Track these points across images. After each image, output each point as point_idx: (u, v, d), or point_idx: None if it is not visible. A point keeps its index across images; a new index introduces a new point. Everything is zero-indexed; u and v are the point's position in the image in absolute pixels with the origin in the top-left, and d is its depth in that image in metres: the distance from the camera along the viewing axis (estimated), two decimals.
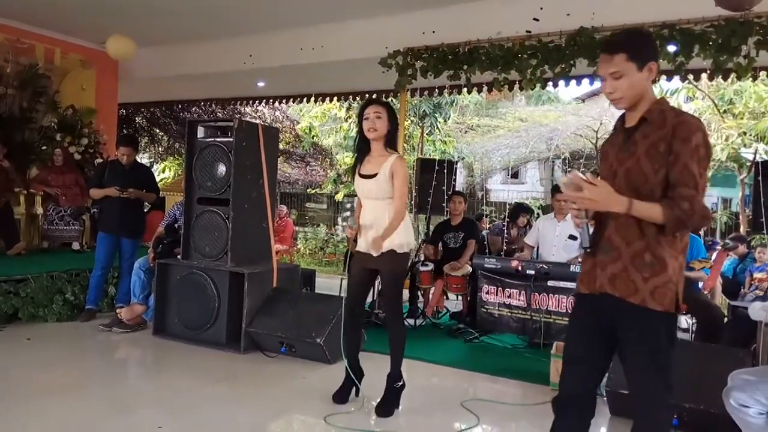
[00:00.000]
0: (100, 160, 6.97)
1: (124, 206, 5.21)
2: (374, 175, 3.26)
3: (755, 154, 9.50)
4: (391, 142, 3.33)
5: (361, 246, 3.33)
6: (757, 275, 6.09)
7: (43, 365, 4.06)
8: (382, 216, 3.25)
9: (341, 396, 3.47)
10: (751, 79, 5.70)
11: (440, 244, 6.21)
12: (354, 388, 3.53)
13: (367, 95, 8.58)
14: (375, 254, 3.22)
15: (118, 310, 5.08)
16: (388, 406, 3.35)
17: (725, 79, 5.48)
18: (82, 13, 6.67)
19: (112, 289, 5.57)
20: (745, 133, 9.68)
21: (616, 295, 2.00)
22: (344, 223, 3.13)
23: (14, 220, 6.14)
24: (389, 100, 9.11)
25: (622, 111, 2.10)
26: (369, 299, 4.11)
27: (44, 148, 6.85)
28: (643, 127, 2.00)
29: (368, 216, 3.30)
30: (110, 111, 8.25)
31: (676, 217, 1.85)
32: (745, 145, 9.86)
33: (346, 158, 13.65)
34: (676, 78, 5.79)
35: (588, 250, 2.08)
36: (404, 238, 3.27)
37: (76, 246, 6.34)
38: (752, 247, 6.91)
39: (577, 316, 2.22)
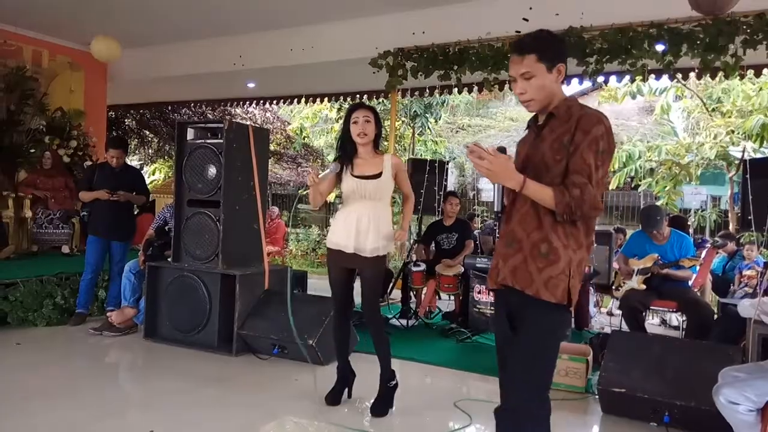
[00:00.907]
0: (89, 163, 6.91)
1: (114, 209, 5.18)
2: (377, 176, 3.29)
3: (743, 152, 9.56)
4: (377, 144, 3.43)
5: (345, 245, 3.29)
6: (746, 272, 6.15)
7: (33, 369, 4.03)
8: (379, 216, 3.29)
9: (334, 397, 3.47)
10: (738, 77, 5.76)
11: (433, 245, 6.22)
12: (346, 389, 3.54)
13: (357, 96, 8.58)
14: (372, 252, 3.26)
15: (108, 314, 5.05)
16: (382, 405, 3.36)
17: (713, 77, 5.53)
18: (70, 15, 6.62)
19: (102, 292, 5.54)
20: (733, 132, 9.76)
21: (516, 287, 1.99)
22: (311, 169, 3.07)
23: (2, 224, 6.09)
24: (380, 100, 9.14)
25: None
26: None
27: (32, 150, 6.79)
28: (551, 122, 2.01)
29: (363, 215, 3.27)
30: (99, 113, 8.19)
31: (565, 203, 1.86)
32: (733, 144, 9.94)
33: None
34: (665, 77, 5.83)
35: (499, 215, 2.06)
36: (389, 240, 3.33)
37: (65, 249, 6.28)
38: (741, 244, 6.97)
39: (495, 314, 2.22)
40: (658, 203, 10.12)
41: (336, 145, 3.53)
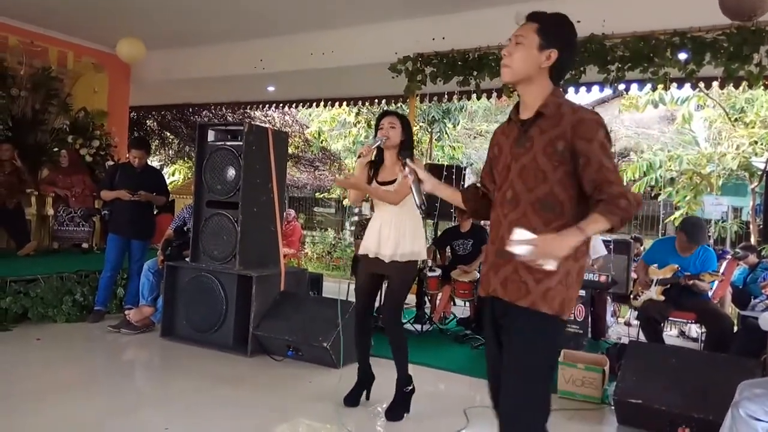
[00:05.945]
0: (111, 163, 7.02)
1: (135, 208, 5.24)
2: (392, 182, 3.33)
3: (766, 163, 9.43)
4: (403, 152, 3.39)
5: (370, 250, 3.35)
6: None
7: (52, 365, 4.10)
8: (402, 222, 3.31)
9: (352, 399, 3.49)
10: (762, 87, 5.67)
11: (449, 250, 6.21)
12: (365, 391, 3.55)
13: (376, 100, 8.60)
14: (387, 259, 3.26)
15: (126, 312, 5.11)
16: (397, 410, 3.36)
17: (736, 87, 5.47)
18: (95, 17, 6.73)
19: (120, 290, 5.61)
20: (756, 142, 9.63)
21: (506, 299, 1.93)
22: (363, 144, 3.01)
23: (25, 221, 6.19)
24: (398, 105, 9.16)
25: (517, 101, 2.08)
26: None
27: (56, 149, 6.91)
28: (540, 122, 1.93)
29: (386, 221, 3.33)
30: (122, 114, 8.32)
31: (619, 218, 1.80)
32: (756, 154, 9.81)
33: (355, 163, 13.66)
34: (687, 86, 5.77)
35: (422, 208, 2.16)
36: (417, 247, 3.32)
37: (85, 247, 6.38)
38: (763, 256, 6.85)
39: (485, 322, 2.13)
40: (678, 213, 10.00)
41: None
